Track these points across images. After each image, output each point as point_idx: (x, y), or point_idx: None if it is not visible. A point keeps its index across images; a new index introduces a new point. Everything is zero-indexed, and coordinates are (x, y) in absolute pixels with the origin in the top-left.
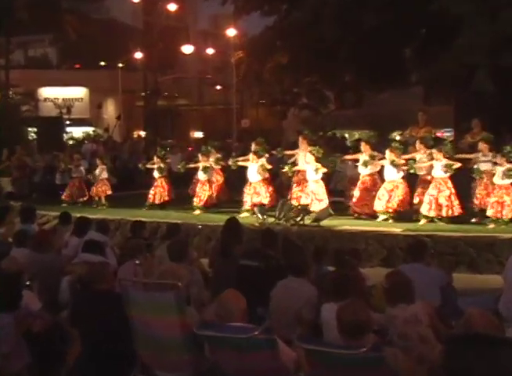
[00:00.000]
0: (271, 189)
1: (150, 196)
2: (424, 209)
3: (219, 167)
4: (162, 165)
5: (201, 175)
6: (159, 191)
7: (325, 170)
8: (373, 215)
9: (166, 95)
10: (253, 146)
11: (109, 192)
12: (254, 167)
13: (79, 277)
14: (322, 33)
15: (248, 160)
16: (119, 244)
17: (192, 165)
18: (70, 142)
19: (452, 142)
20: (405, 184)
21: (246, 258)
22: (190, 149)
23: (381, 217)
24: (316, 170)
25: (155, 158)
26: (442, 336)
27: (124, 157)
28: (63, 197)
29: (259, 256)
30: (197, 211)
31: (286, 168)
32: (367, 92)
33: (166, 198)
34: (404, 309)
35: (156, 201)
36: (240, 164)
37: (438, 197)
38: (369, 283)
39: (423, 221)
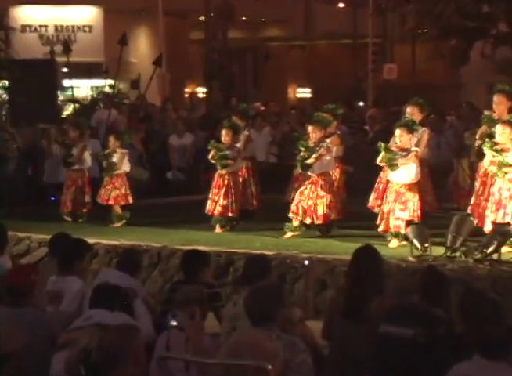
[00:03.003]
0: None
1: (209, 204)
2: None
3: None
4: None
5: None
6: (226, 196)
7: None
8: None
9: (244, 21)
10: (407, 114)
11: (123, 201)
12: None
13: (84, 353)
14: None
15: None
16: (159, 292)
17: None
18: (70, 106)
19: None
20: None
21: (391, 323)
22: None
23: None
24: None
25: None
26: None
27: (165, 133)
28: (61, 209)
29: (416, 318)
30: (288, 234)
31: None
32: None
33: (253, 206)
34: None
35: (227, 213)
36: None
37: None
38: None
39: None
